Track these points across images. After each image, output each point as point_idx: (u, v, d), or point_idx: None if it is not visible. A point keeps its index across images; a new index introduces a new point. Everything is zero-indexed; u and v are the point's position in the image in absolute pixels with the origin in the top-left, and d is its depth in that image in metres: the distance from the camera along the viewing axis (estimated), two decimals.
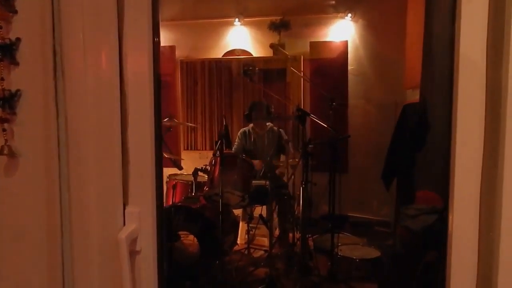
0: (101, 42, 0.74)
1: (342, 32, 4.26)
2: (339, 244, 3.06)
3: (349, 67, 4.19)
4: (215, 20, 4.56)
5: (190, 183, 3.25)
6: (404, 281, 2.13)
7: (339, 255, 3.05)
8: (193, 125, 4.48)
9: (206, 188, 2.98)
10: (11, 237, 0.79)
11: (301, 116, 2.52)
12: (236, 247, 3.46)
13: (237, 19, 4.52)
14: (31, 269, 0.78)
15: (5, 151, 0.74)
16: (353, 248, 3.27)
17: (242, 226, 3.63)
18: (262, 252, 3.46)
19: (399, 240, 2.30)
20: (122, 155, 0.75)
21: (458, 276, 0.74)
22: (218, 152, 2.79)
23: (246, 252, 3.40)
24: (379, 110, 4.07)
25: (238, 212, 3.62)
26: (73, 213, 0.75)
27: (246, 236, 3.50)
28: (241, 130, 3.69)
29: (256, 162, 3.31)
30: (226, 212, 3.06)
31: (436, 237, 2.05)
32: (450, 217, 0.75)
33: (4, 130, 0.75)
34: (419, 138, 2.13)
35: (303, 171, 2.68)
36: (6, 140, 0.75)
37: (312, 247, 3.37)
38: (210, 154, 4.00)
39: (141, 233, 0.75)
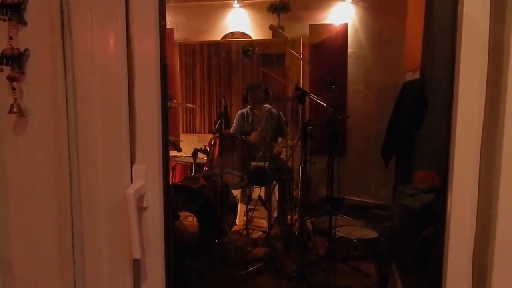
0: (108, 1, 0.74)
1: (342, 14, 4.22)
2: (337, 226, 3.09)
3: (349, 50, 4.17)
4: (214, 2, 4.50)
5: (189, 164, 3.26)
6: (401, 256, 2.16)
7: (337, 235, 3.08)
8: (192, 105, 4.47)
9: (205, 169, 2.99)
10: (21, 194, 0.80)
11: (300, 95, 2.51)
12: (235, 228, 3.49)
13: (236, 1, 4.47)
14: (41, 226, 0.80)
15: (15, 110, 0.75)
16: (351, 230, 3.31)
17: (240, 208, 3.66)
18: (260, 233, 3.49)
19: (397, 218, 2.33)
20: (129, 113, 0.76)
21: (455, 255, 0.74)
22: (217, 133, 2.80)
23: (244, 232, 3.44)
24: (378, 93, 4.06)
25: (236, 194, 3.64)
26: (81, 170, 0.76)
27: (245, 218, 3.53)
28: (239, 111, 3.69)
29: (252, 135, 3.32)
30: (225, 193, 3.07)
31: (433, 215, 2.08)
32: (449, 196, 0.74)
33: (13, 89, 0.75)
34: (418, 115, 2.14)
35: (302, 152, 2.69)
36: (15, 99, 0.76)
37: (310, 228, 3.41)
38: (208, 136, 4.00)
39: (148, 190, 0.76)
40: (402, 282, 2.07)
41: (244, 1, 4.52)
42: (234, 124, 3.64)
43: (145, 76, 0.76)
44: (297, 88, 2.58)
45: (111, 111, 0.76)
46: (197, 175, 3.16)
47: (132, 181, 0.77)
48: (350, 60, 4.17)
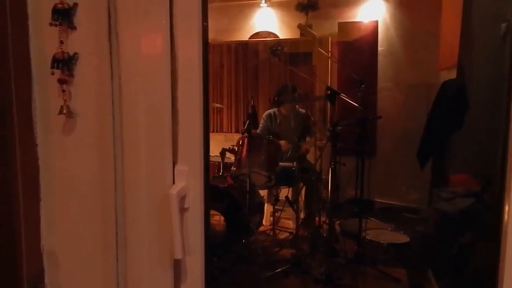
0: (153, 6, 0.75)
1: (372, 12, 4.13)
2: (366, 228, 3.03)
3: (379, 48, 4.07)
4: (242, 2, 4.51)
5: (217, 163, 3.29)
6: (436, 262, 2.09)
7: (366, 239, 3.02)
8: (219, 105, 4.50)
9: (233, 168, 3.00)
10: (68, 192, 0.83)
11: (331, 95, 2.47)
12: (261, 228, 3.49)
13: (263, 1, 4.46)
14: (86, 222, 0.82)
15: (64, 111, 0.78)
16: (381, 233, 3.24)
17: (267, 208, 3.65)
18: (287, 234, 3.47)
19: (431, 223, 2.25)
20: (172, 115, 0.77)
21: None
22: (246, 133, 2.80)
23: (271, 233, 3.43)
24: (409, 92, 3.95)
25: (263, 194, 3.64)
26: (126, 170, 0.78)
27: (271, 218, 3.52)
28: (267, 112, 3.68)
29: (282, 143, 3.31)
30: (253, 193, 3.07)
31: (471, 220, 1.99)
32: (506, 204, 0.69)
33: (63, 91, 0.78)
34: (458, 116, 2.06)
35: (332, 152, 2.64)
36: (65, 101, 0.79)
37: (337, 231, 3.36)
38: (235, 136, 4.01)
39: (189, 191, 0.77)
40: None
41: (271, 0, 4.51)
42: (261, 125, 3.64)
43: (188, 77, 0.77)
44: (328, 88, 2.54)
45: (155, 112, 0.77)
46: (225, 174, 3.18)
47: (174, 182, 0.78)
48: (380, 58, 4.08)
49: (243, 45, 4.54)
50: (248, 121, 2.74)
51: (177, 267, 0.81)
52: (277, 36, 4.51)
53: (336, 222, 3.40)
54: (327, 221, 3.21)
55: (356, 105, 2.66)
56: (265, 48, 4.45)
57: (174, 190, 0.73)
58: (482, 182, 1.92)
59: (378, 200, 4.02)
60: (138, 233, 0.79)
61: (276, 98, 3.48)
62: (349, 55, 4.13)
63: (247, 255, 2.85)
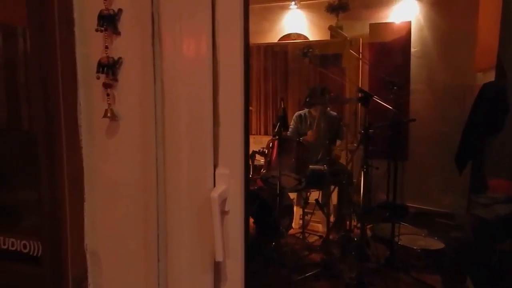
0: (196, 11, 0.76)
1: (405, 12, 4.03)
2: (399, 233, 2.94)
3: (412, 49, 3.96)
4: (271, 4, 4.51)
5: None
6: (475, 270, 2.00)
7: (399, 244, 2.93)
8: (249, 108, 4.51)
9: (263, 170, 3.00)
10: (111, 193, 0.85)
11: (364, 97, 2.42)
12: (290, 231, 3.47)
13: (293, 2, 4.45)
14: (128, 223, 0.84)
15: (108, 114, 0.80)
16: (414, 239, 3.14)
17: (296, 211, 3.62)
18: (316, 237, 3.43)
19: (469, 229, 2.16)
20: (213, 118, 0.77)
21: None
22: (277, 135, 2.79)
23: (300, 236, 3.40)
24: (444, 94, 3.81)
25: (292, 196, 3.61)
26: (167, 173, 0.78)
27: (300, 221, 3.49)
28: (297, 113, 3.65)
29: (308, 133, 3.27)
30: (282, 195, 3.06)
31: None
32: None
33: (107, 95, 0.80)
34: (499, 119, 1.96)
35: (364, 155, 2.59)
36: (109, 104, 0.80)
37: (368, 235, 3.28)
38: (264, 138, 4.01)
39: (230, 194, 0.77)
40: None
41: (301, 2, 4.48)
42: (291, 126, 3.62)
43: (229, 80, 0.77)
44: (361, 90, 2.49)
45: (196, 115, 0.77)
46: (255, 177, 3.18)
47: (214, 185, 0.78)
48: (413, 59, 3.96)
49: (272, 47, 4.54)
50: (279, 123, 2.73)
51: (217, 270, 0.81)
52: (307, 38, 4.48)
53: (367, 226, 3.33)
54: (358, 225, 3.15)
55: (390, 107, 2.60)
56: (295, 50, 4.43)
57: (216, 193, 0.73)
58: None
59: (410, 205, 3.91)
60: (179, 235, 0.80)
61: (307, 99, 3.45)
62: (380, 56, 4.04)
63: (277, 258, 2.83)
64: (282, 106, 2.98)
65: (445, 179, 3.65)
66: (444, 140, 3.64)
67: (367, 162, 2.57)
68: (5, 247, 0.91)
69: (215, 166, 0.78)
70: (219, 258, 0.75)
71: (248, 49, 0.77)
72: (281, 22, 4.59)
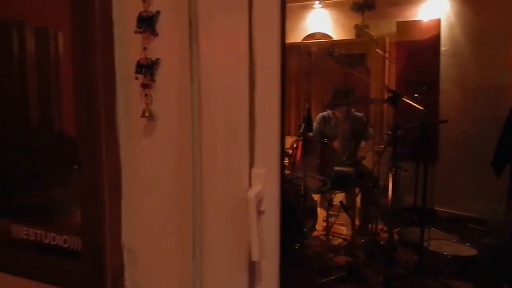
0: (233, 11, 0.76)
1: (434, 10, 3.91)
2: (427, 238, 2.86)
3: (442, 48, 3.84)
4: (295, 4, 4.49)
5: None
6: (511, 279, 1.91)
7: (428, 249, 2.85)
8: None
9: (287, 171, 2.99)
10: (148, 192, 0.86)
11: (393, 97, 2.37)
12: (314, 233, 3.44)
13: (317, 2, 4.41)
14: (165, 222, 0.85)
15: (146, 114, 0.81)
16: (443, 244, 3.04)
17: (319, 213, 3.59)
18: (340, 240, 3.38)
19: (507, 236, 2.07)
20: (250, 118, 0.77)
21: None
22: (301, 137, 2.78)
23: (324, 238, 3.36)
24: (476, 95, 3.67)
25: (316, 198, 3.58)
26: (203, 172, 0.79)
27: (324, 223, 3.45)
28: (320, 114, 3.62)
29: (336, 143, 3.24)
30: (306, 197, 3.04)
31: None
32: None
33: (145, 95, 0.82)
34: None
35: (392, 157, 2.53)
36: (147, 104, 0.82)
37: (395, 239, 3.21)
38: (287, 139, 3.99)
39: (265, 194, 0.77)
40: None
41: (325, 1, 4.44)
42: (314, 127, 3.59)
43: (266, 81, 0.77)
44: (390, 90, 2.44)
45: (233, 116, 0.77)
46: None
47: (250, 185, 0.78)
48: (443, 58, 3.84)
49: (296, 47, 4.52)
50: (303, 124, 2.71)
51: (252, 270, 0.81)
52: (331, 38, 4.43)
53: (394, 230, 3.26)
54: (384, 228, 3.08)
55: (420, 107, 2.53)
56: (319, 50, 4.39)
57: (252, 193, 0.73)
58: None
59: (439, 209, 3.79)
60: (214, 234, 0.80)
61: (331, 100, 3.41)
62: (408, 55, 3.95)
63: (301, 260, 2.82)
64: (307, 106, 2.96)
65: (477, 183, 3.53)
66: (476, 142, 3.51)
67: (396, 164, 2.51)
68: (47, 241, 0.94)
69: (251, 166, 0.78)
70: (255, 258, 0.74)
71: (284, 49, 0.77)
72: (305, 22, 4.55)
